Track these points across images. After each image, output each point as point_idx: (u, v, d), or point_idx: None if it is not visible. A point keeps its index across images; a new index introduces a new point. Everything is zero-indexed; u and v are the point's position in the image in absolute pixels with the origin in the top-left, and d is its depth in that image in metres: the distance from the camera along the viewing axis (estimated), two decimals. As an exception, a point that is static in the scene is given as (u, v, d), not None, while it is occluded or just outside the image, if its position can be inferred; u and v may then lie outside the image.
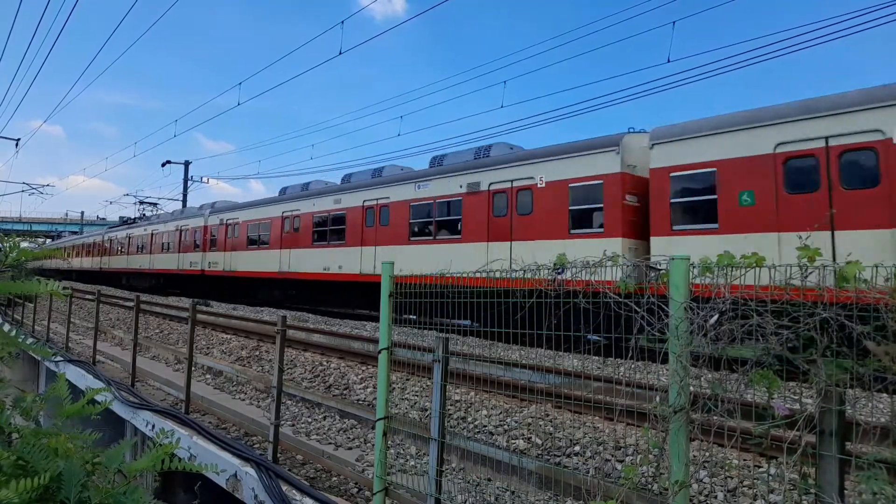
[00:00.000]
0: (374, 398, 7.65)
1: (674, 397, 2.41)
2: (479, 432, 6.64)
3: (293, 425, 7.20)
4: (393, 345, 4.20)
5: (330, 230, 21.59)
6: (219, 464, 5.55)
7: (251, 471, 5.19)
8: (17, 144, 36.32)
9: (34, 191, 52.35)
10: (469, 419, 7.04)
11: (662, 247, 11.98)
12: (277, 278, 24.41)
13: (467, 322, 3.87)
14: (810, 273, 2.15)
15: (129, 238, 41.27)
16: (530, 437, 6.32)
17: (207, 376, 10.24)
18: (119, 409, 8.02)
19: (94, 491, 1.60)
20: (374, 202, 19.64)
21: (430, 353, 3.92)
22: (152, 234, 37.02)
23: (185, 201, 50.17)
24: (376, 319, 20.13)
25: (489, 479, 5.20)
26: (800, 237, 2.36)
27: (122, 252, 42.47)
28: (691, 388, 2.39)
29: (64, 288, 2.08)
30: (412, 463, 5.71)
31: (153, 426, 7.19)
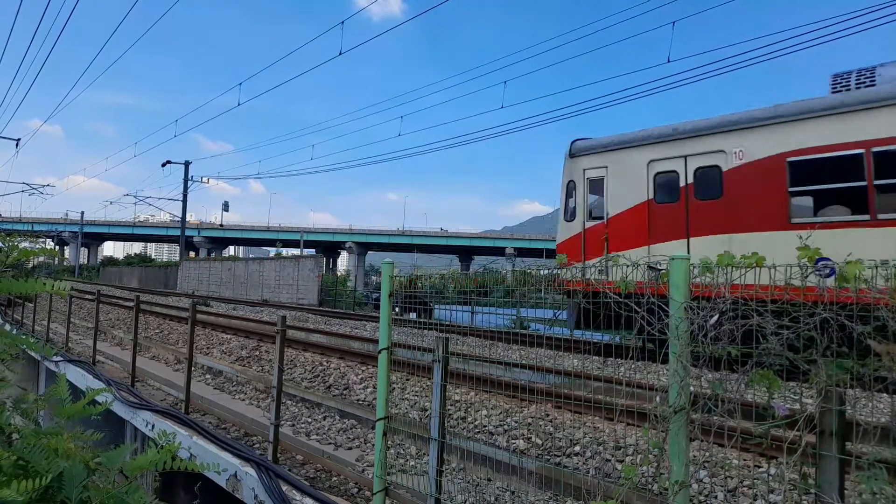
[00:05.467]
0: (374, 398, 7.65)
1: (674, 397, 2.41)
2: (479, 432, 6.64)
3: (293, 425, 7.20)
4: (393, 345, 4.20)
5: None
6: (219, 464, 5.55)
7: (251, 471, 5.19)
8: (17, 144, 36.30)
9: (34, 191, 52.32)
10: (469, 419, 7.04)
11: None
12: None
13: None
14: (810, 273, 2.15)
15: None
16: (530, 437, 6.32)
17: (207, 376, 10.24)
18: (119, 409, 8.02)
19: (95, 491, 1.60)
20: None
21: (430, 353, 3.93)
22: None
23: (185, 202, 50.19)
24: (376, 319, 20.10)
25: (489, 479, 5.20)
26: (800, 237, 2.36)
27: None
28: (691, 388, 2.39)
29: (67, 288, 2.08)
30: (412, 463, 5.71)
31: (153, 426, 7.19)
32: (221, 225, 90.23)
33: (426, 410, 7.09)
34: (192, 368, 7.96)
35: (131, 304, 11.19)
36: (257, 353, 12.33)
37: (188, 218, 59.51)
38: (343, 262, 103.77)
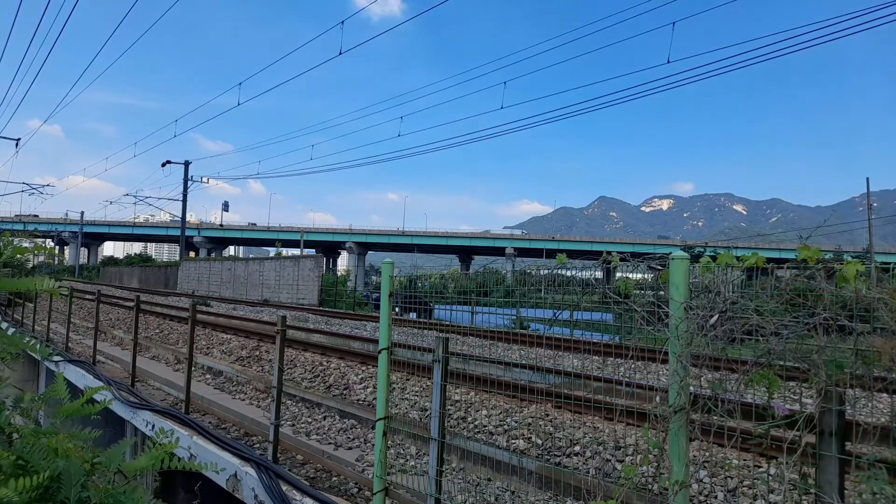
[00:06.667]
0: (374, 398, 7.65)
1: (674, 397, 2.40)
2: (479, 432, 6.64)
3: (293, 425, 7.20)
4: (393, 345, 4.20)
5: None
6: (219, 464, 5.55)
7: (251, 471, 5.19)
8: (17, 144, 36.25)
9: (34, 191, 52.31)
10: (469, 419, 7.03)
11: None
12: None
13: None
14: (810, 273, 2.15)
15: None
16: (530, 437, 6.32)
17: (207, 376, 10.24)
18: (119, 409, 8.02)
19: (94, 490, 1.59)
20: None
21: (430, 353, 3.92)
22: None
23: (184, 202, 50.20)
24: (376, 319, 20.09)
25: (489, 479, 5.20)
26: (800, 236, 2.35)
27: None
28: (691, 388, 2.39)
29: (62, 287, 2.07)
30: (412, 463, 5.71)
31: (153, 426, 7.19)
32: (221, 225, 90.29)
33: (426, 410, 7.09)
34: (193, 368, 7.96)
35: (131, 304, 11.19)
36: (257, 353, 12.33)
37: (188, 218, 59.49)
38: (343, 262, 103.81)
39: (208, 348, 13.30)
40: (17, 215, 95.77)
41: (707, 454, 5.41)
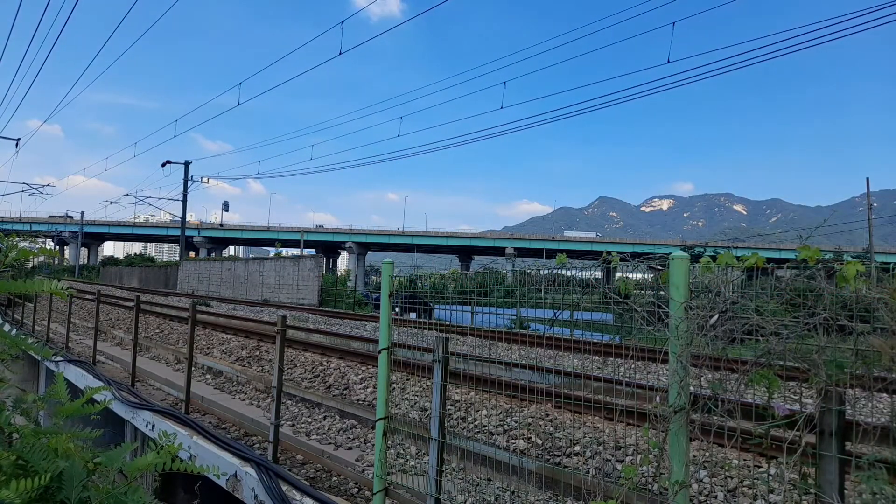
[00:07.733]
0: (374, 398, 7.65)
1: (674, 397, 2.41)
2: (479, 432, 6.64)
3: (293, 425, 7.20)
4: (393, 345, 4.20)
5: None
6: (219, 464, 5.55)
7: (251, 471, 5.19)
8: (17, 144, 36.23)
9: (34, 191, 52.30)
10: (469, 419, 7.03)
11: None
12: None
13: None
14: (810, 273, 2.15)
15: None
16: (530, 437, 6.32)
17: (207, 376, 10.24)
18: (119, 408, 8.02)
19: (95, 491, 1.59)
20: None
21: (430, 353, 3.92)
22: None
23: (184, 202, 50.21)
24: (376, 319, 20.10)
25: (489, 479, 5.20)
26: (800, 236, 2.36)
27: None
28: (691, 388, 2.39)
29: (66, 288, 2.07)
30: (412, 463, 5.71)
31: (153, 426, 7.19)
32: (221, 225, 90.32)
33: (426, 410, 7.09)
34: (193, 368, 7.96)
35: (131, 304, 11.19)
36: (257, 353, 12.33)
37: (188, 218, 59.49)
38: (343, 262, 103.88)
39: (208, 348, 13.30)
40: (50, 216, 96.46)
41: (707, 454, 5.41)
